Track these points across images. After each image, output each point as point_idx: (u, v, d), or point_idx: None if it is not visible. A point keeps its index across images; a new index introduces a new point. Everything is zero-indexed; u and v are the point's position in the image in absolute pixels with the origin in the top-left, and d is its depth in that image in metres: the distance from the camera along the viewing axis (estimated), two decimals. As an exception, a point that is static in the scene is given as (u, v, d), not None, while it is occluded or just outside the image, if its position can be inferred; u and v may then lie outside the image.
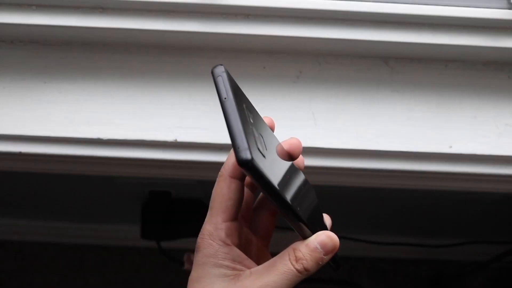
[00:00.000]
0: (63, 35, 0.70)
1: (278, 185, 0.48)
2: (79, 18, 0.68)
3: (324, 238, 0.51)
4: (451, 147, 0.72)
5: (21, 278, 1.59)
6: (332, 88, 0.72)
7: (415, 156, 0.72)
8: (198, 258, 0.51)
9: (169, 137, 0.70)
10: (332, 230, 0.54)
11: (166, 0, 0.67)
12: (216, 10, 0.68)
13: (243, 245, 0.53)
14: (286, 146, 0.54)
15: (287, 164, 0.53)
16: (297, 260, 0.50)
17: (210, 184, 0.56)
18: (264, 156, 0.48)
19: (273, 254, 0.53)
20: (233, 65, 0.72)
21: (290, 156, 0.54)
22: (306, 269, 0.50)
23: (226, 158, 0.53)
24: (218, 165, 0.61)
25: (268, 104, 0.72)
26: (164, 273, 1.57)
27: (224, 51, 0.72)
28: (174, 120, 0.70)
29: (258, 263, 0.52)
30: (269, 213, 0.57)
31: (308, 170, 0.72)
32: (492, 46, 0.70)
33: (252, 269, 0.51)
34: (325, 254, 0.51)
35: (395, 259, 1.62)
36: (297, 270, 0.50)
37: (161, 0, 0.67)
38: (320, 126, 0.72)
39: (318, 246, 0.51)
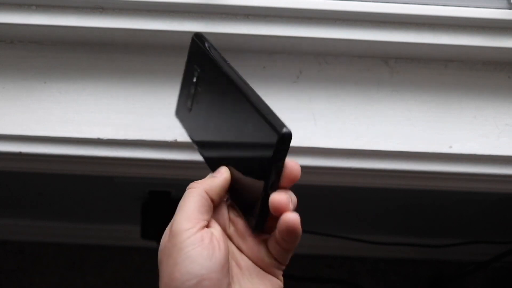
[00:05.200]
0: (63, 35, 0.70)
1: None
2: (79, 18, 0.68)
3: None
4: (451, 147, 0.72)
5: (21, 278, 1.59)
6: (332, 88, 0.72)
7: (415, 156, 0.72)
8: None
9: (169, 137, 0.70)
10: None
11: (166, 0, 0.67)
12: (216, 10, 0.68)
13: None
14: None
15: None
16: None
17: (210, 184, 0.56)
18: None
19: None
20: (233, 65, 0.71)
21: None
22: None
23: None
24: (218, 165, 0.60)
25: (268, 104, 0.71)
26: (164, 273, 1.56)
27: (224, 51, 0.72)
28: (174, 120, 0.70)
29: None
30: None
31: (308, 170, 0.73)
32: (492, 46, 0.70)
33: None
34: None
35: (395, 259, 1.62)
36: None
37: (161, 0, 0.67)
38: (320, 126, 0.72)
39: None
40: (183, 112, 0.66)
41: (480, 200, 1.26)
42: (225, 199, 0.58)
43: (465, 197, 1.21)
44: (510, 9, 0.68)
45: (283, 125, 0.51)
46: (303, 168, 0.72)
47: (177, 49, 0.71)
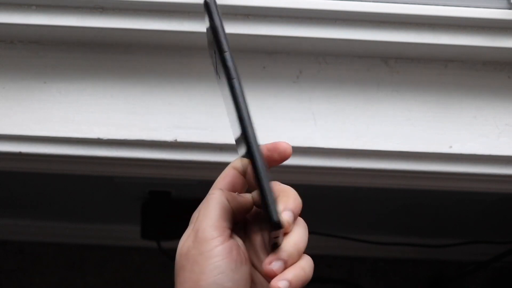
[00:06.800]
0: (63, 35, 0.70)
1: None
2: (79, 18, 0.68)
3: None
4: (451, 147, 0.72)
5: (21, 278, 1.59)
6: (332, 88, 0.72)
7: (415, 156, 0.72)
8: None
9: (169, 137, 0.70)
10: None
11: (166, 0, 0.67)
12: (216, 10, 0.68)
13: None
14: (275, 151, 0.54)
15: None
16: None
17: (210, 184, 0.55)
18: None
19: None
20: (233, 65, 0.72)
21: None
22: None
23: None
24: (218, 165, 0.61)
25: (268, 104, 0.72)
26: (164, 273, 1.57)
27: (224, 51, 0.72)
28: (174, 120, 0.70)
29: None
30: None
31: (308, 170, 0.73)
32: (492, 46, 0.70)
33: None
34: None
35: (395, 259, 1.62)
36: None
37: (161, 0, 0.67)
38: (320, 126, 0.72)
39: None
40: (216, 74, 0.55)
41: (480, 200, 1.26)
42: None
43: (465, 197, 1.21)
44: (510, 9, 0.68)
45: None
46: (304, 168, 0.73)
47: (177, 49, 0.72)
